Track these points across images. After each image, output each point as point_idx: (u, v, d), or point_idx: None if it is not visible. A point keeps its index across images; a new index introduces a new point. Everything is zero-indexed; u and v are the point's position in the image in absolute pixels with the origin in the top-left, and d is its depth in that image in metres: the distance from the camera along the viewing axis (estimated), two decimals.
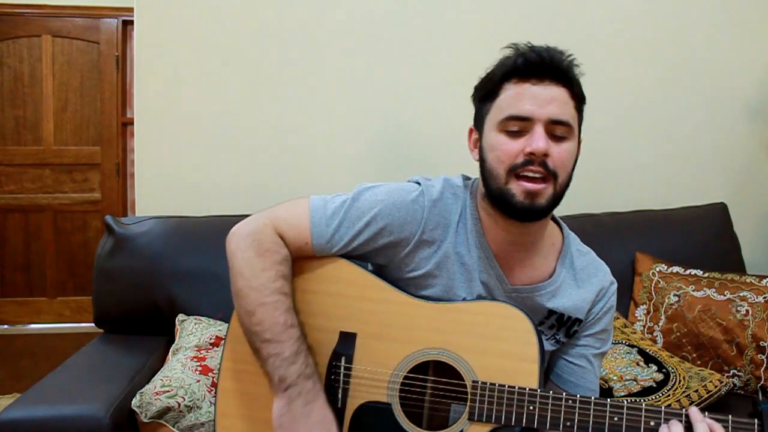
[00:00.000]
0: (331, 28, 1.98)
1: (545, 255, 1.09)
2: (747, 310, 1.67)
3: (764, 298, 1.68)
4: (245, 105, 1.96)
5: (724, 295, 1.71)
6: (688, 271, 1.79)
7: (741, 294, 1.70)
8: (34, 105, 3.81)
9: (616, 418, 0.94)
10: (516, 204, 0.97)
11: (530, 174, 0.95)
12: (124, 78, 3.84)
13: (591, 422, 0.95)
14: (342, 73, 1.99)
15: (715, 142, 2.15)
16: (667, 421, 0.92)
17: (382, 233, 1.04)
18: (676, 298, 1.75)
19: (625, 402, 0.96)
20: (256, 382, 1.04)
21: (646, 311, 1.78)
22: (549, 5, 2.05)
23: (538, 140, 0.94)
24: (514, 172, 0.96)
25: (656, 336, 1.74)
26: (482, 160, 1.02)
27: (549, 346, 1.10)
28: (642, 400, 0.96)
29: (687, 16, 2.11)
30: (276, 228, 1.05)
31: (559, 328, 1.09)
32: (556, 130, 0.97)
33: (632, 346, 1.63)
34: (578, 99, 1.01)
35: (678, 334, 1.72)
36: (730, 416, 0.92)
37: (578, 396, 0.97)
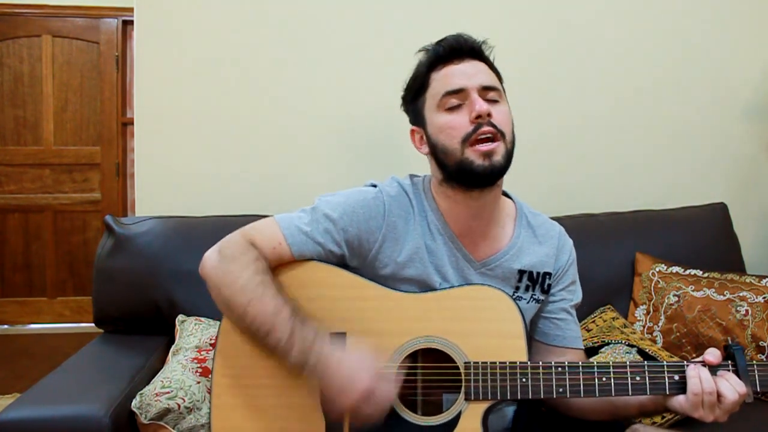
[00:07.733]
0: (331, 27, 1.98)
1: (502, 225, 1.16)
2: (747, 310, 1.67)
3: (764, 298, 1.68)
4: (245, 105, 1.96)
5: (724, 295, 1.71)
6: (687, 271, 1.79)
7: (741, 294, 1.70)
8: (34, 105, 3.81)
9: (604, 378, 1.00)
10: (476, 169, 1.02)
11: (483, 136, 1.02)
12: (124, 78, 3.85)
13: (582, 385, 1.00)
14: (344, 73, 1.99)
15: (715, 142, 2.15)
16: (651, 376, 0.99)
17: (349, 230, 1.08)
18: (676, 298, 1.75)
19: (611, 362, 1.02)
20: (250, 394, 1.05)
21: (645, 311, 1.78)
22: (547, 5, 2.05)
23: (480, 104, 1.03)
24: (468, 140, 1.03)
25: (656, 336, 1.74)
26: (433, 147, 1.09)
27: (531, 309, 1.16)
28: (627, 361, 1.02)
29: (687, 16, 2.11)
30: (244, 236, 1.07)
31: (534, 287, 1.15)
32: (489, 94, 1.06)
33: (632, 346, 1.63)
34: (497, 73, 1.11)
35: (678, 334, 1.72)
36: (704, 359, 0.99)
37: (566, 363, 1.02)
